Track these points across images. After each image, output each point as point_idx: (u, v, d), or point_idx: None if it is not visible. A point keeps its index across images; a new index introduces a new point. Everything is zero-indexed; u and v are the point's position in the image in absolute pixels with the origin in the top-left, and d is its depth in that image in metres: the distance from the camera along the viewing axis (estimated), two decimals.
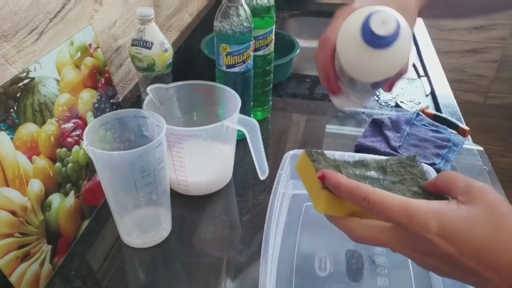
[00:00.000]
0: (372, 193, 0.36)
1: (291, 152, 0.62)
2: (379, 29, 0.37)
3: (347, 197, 0.38)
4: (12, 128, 0.51)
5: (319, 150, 0.44)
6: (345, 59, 0.42)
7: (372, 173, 0.43)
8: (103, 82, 0.69)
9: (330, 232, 0.46)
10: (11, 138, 0.51)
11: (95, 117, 0.64)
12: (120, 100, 0.74)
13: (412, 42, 0.43)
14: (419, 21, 1.33)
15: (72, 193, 0.60)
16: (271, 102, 0.87)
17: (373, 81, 0.43)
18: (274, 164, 0.70)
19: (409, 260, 0.44)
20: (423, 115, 0.85)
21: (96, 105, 0.66)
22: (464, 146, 0.79)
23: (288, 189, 0.65)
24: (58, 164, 0.57)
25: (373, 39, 0.38)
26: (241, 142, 0.66)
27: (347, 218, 0.39)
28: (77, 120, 0.62)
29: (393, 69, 0.41)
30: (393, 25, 0.37)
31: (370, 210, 0.36)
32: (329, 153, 0.45)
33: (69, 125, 0.60)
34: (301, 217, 0.63)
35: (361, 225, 0.38)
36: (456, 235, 0.33)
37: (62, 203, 0.58)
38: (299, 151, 0.62)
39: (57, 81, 0.59)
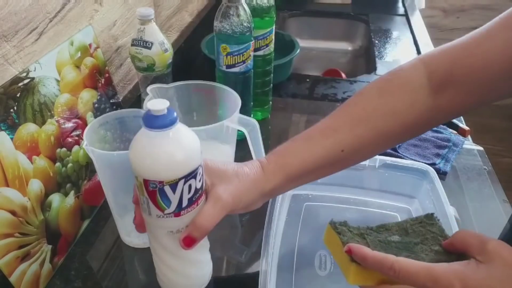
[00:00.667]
0: (397, 262, 0.39)
1: None
2: (154, 107, 0.40)
3: (375, 268, 0.40)
4: (12, 128, 0.51)
5: (342, 221, 0.47)
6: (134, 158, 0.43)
7: (395, 237, 0.46)
8: (103, 82, 0.69)
9: None
10: (11, 138, 0.51)
11: (95, 117, 0.64)
12: (120, 100, 0.74)
13: (200, 155, 0.43)
14: (419, 21, 1.33)
15: (72, 193, 0.60)
16: (271, 102, 0.87)
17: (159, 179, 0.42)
18: None
19: None
20: None
21: (96, 105, 0.66)
22: (464, 146, 0.79)
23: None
24: (58, 164, 0.57)
25: (150, 119, 0.40)
26: (241, 142, 0.66)
27: (378, 287, 0.42)
28: (77, 120, 0.62)
29: (175, 165, 0.41)
30: (166, 106, 0.40)
31: (397, 278, 0.39)
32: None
33: (69, 125, 0.60)
34: (301, 217, 0.64)
35: None
36: None
37: (62, 203, 0.58)
38: None
39: (57, 81, 0.59)
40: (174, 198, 0.42)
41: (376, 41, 1.20)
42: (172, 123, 0.40)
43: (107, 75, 0.70)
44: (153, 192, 0.42)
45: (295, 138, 0.50)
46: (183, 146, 0.42)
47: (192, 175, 0.42)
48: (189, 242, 0.44)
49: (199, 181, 0.44)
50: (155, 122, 0.40)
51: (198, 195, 0.45)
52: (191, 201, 0.44)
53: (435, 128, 0.81)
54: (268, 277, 0.47)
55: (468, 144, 0.80)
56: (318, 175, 0.52)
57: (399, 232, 0.47)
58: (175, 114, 0.41)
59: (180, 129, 0.42)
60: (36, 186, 0.53)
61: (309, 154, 0.48)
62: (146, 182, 0.41)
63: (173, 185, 0.42)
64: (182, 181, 0.42)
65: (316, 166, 0.49)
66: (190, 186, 0.43)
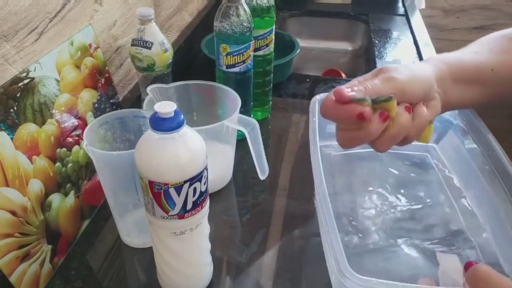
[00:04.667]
0: None
1: (318, 97, 0.62)
2: (161, 109, 0.40)
3: None
4: (12, 128, 0.51)
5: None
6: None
7: None
8: (103, 82, 0.69)
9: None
10: (11, 138, 0.51)
11: (95, 117, 0.64)
12: (120, 100, 0.74)
13: (205, 159, 0.44)
14: (419, 21, 1.33)
15: (72, 193, 0.60)
16: (271, 102, 0.87)
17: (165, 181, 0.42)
18: (274, 164, 0.70)
19: None
20: None
21: (96, 105, 0.66)
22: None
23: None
24: (58, 164, 0.57)
25: (157, 121, 0.40)
26: (241, 142, 0.66)
27: None
28: (77, 120, 0.62)
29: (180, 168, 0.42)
30: (173, 109, 0.40)
31: None
32: None
33: (69, 125, 0.60)
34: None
35: None
36: None
37: (62, 203, 0.58)
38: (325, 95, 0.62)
39: (57, 81, 0.59)
40: (178, 201, 0.43)
41: (376, 41, 1.20)
42: (179, 126, 0.41)
43: (107, 75, 0.70)
44: (158, 193, 0.42)
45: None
46: (189, 149, 0.42)
47: (197, 178, 0.42)
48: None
49: (204, 184, 0.44)
50: (162, 124, 0.40)
51: (203, 198, 0.45)
52: (196, 204, 0.44)
53: None
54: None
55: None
56: (472, 85, 0.51)
57: None
58: (182, 117, 0.41)
59: (187, 132, 0.42)
60: (36, 186, 0.53)
61: (467, 58, 0.51)
62: (151, 183, 0.42)
63: (178, 188, 0.42)
64: (187, 184, 0.42)
65: (473, 71, 0.50)
66: (195, 189, 0.43)
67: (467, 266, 0.38)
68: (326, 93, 0.58)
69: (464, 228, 0.58)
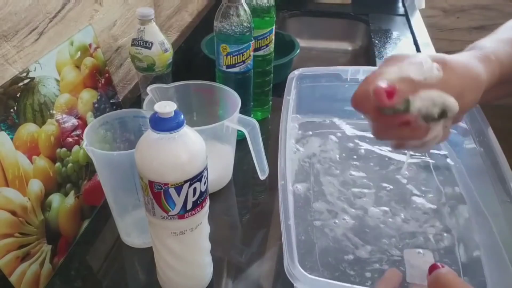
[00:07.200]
0: None
1: (296, 72, 0.61)
2: (161, 109, 0.40)
3: None
4: (12, 128, 0.51)
5: None
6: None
7: None
8: (103, 82, 0.69)
9: None
10: (11, 138, 0.51)
11: (95, 117, 0.64)
12: (120, 100, 0.74)
13: (205, 159, 0.43)
14: (419, 21, 1.33)
15: (72, 193, 0.60)
16: (271, 102, 0.87)
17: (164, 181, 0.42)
18: (274, 164, 0.69)
19: None
20: None
21: (96, 105, 0.66)
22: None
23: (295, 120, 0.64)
24: (58, 164, 0.57)
25: (157, 121, 0.40)
26: (241, 142, 0.66)
27: None
28: (77, 120, 0.62)
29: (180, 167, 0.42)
30: (173, 109, 0.40)
31: None
32: None
33: (69, 125, 0.60)
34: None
35: None
36: None
37: (62, 203, 0.58)
38: (305, 69, 0.62)
39: (57, 81, 0.59)
40: (178, 201, 0.43)
41: (376, 41, 1.20)
42: (179, 126, 0.41)
43: (107, 75, 0.70)
44: (158, 193, 0.42)
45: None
46: (189, 149, 0.42)
47: (197, 178, 0.42)
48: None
49: (204, 184, 0.44)
50: (162, 124, 0.40)
51: (203, 198, 0.45)
52: (196, 204, 0.44)
53: None
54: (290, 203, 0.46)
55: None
56: (506, 85, 0.47)
57: None
58: (182, 117, 0.41)
59: (187, 132, 0.42)
60: (36, 186, 0.53)
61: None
62: (151, 183, 0.42)
63: (178, 188, 0.42)
64: (187, 184, 0.42)
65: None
66: (195, 189, 0.43)
67: (431, 269, 0.38)
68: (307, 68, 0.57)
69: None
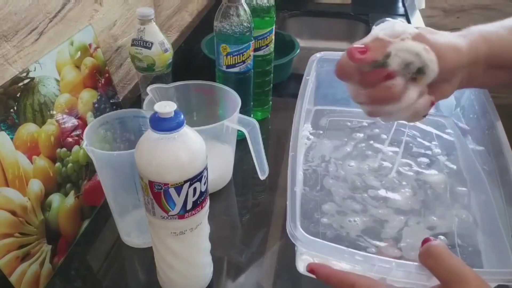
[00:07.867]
0: (359, 281, 0.38)
1: (318, 55, 0.61)
2: (161, 109, 0.40)
3: (337, 286, 0.39)
4: (12, 128, 0.51)
5: None
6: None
7: None
8: (103, 82, 0.69)
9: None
10: (11, 138, 0.51)
11: (95, 117, 0.64)
12: (120, 100, 0.74)
13: (205, 158, 0.43)
14: (419, 21, 1.33)
15: (72, 193, 0.60)
16: (271, 102, 0.87)
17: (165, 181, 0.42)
18: (274, 164, 0.70)
19: None
20: None
21: (96, 105, 0.66)
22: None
23: (311, 104, 0.63)
24: (58, 164, 0.57)
25: (157, 121, 0.40)
26: (241, 142, 0.66)
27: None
28: (77, 120, 0.62)
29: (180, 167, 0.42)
30: (173, 109, 0.40)
31: None
32: None
33: (69, 125, 0.60)
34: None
35: None
36: None
37: (62, 203, 0.58)
38: (327, 53, 0.62)
39: (57, 81, 0.59)
40: (178, 201, 0.43)
41: None
42: (179, 126, 0.41)
43: (107, 75, 0.70)
44: (158, 193, 0.42)
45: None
46: (189, 149, 0.42)
47: (197, 178, 0.42)
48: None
49: (204, 184, 0.44)
50: (162, 124, 0.40)
51: (203, 198, 0.45)
52: (196, 204, 0.44)
53: None
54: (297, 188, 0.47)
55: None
56: (504, 70, 0.47)
57: None
58: (182, 117, 0.41)
59: (187, 132, 0.42)
60: (36, 186, 0.53)
61: (510, 38, 0.45)
62: (151, 183, 0.42)
63: (178, 188, 0.42)
64: (187, 184, 0.42)
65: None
66: (195, 189, 0.43)
67: (424, 242, 0.39)
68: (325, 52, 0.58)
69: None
